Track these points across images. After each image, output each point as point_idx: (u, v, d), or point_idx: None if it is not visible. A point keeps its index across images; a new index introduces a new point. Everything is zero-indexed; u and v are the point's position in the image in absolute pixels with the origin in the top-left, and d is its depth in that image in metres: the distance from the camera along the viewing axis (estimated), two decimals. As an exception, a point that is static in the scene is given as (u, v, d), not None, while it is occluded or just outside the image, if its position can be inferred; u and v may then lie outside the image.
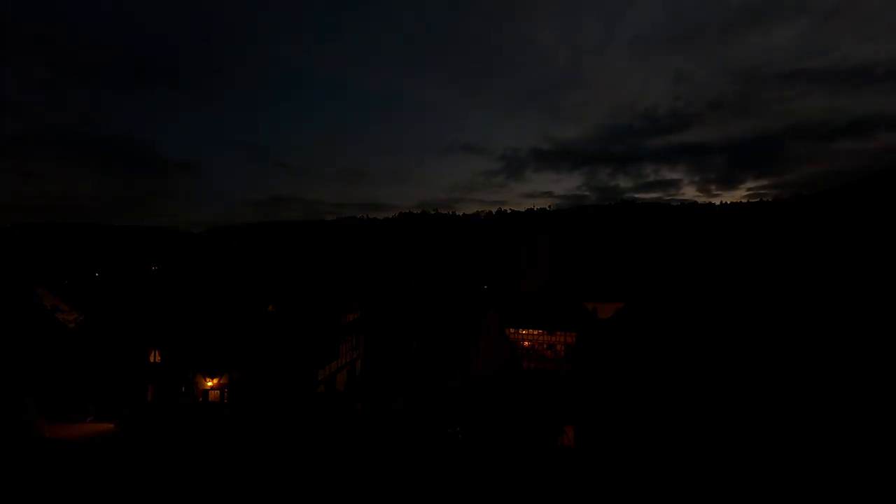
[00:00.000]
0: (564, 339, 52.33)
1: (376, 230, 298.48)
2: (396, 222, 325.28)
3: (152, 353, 36.80)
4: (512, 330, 53.74)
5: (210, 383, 35.98)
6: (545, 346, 53.59)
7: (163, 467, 23.94)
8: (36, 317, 38.40)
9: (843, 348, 17.53)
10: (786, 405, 17.29)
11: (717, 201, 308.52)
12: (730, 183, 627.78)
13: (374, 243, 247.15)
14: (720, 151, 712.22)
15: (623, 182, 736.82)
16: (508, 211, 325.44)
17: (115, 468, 23.97)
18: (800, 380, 17.44)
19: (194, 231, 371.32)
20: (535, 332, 54.09)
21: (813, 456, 16.39)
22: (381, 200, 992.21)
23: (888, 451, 15.30)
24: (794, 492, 16.45)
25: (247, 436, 29.14)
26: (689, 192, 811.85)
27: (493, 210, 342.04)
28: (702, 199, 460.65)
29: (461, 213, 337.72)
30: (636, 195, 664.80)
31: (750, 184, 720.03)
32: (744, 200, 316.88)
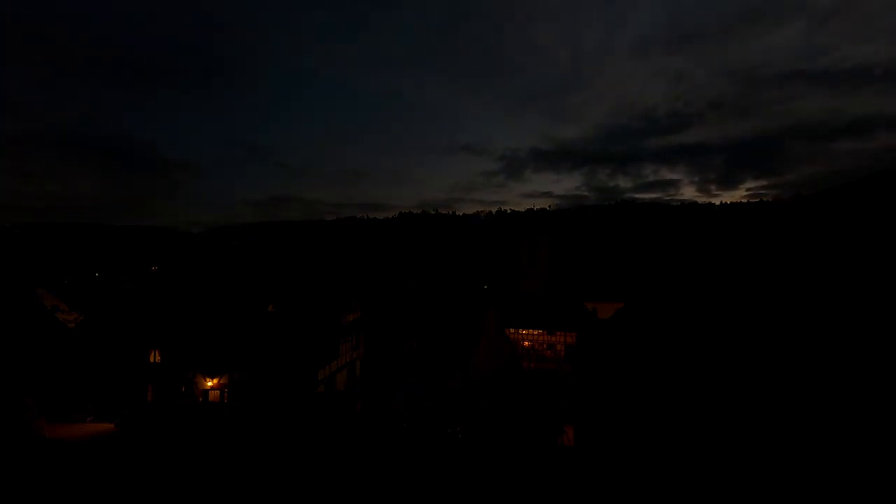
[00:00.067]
0: (564, 339, 52.36)
1: (376, 230, 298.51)
2: (396, 222, 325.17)
3: (152, 353, 36.82)
4: (512, 330, 53.77)
5: (210, 383, 36.00)
6: (545, 346, 53.63)
7: (163, 467, 23.95)
8: (36, 317, 38.43)
9: (843, 348, 17.55)
10: (785, 405, 17.31)
11: (716, 201, 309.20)
12: (729, 183, 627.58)
13: (374, 243, 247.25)
14: (720, 152, 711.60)
15: (623, 182, 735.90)
16: (508, 211, 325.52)
17: (115, 468, 23.97)
18: (800, 379, 17.46)
19: (194, 231, 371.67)
20: (535, 332, 54.13)
21: (813, 455, 16.41)
22: (381, 200, 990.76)
23: (888, 451, 15.32)
24: (794, 491, 16.47)
25: (247, 436, 29.14)
26: (689, 193, 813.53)
27: (493, 210, 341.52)
28: (701, 200, 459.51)
29: (461, 214, 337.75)
30: (636, 195, 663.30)
31: (749, 184, 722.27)
32: (743, 200, 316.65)
